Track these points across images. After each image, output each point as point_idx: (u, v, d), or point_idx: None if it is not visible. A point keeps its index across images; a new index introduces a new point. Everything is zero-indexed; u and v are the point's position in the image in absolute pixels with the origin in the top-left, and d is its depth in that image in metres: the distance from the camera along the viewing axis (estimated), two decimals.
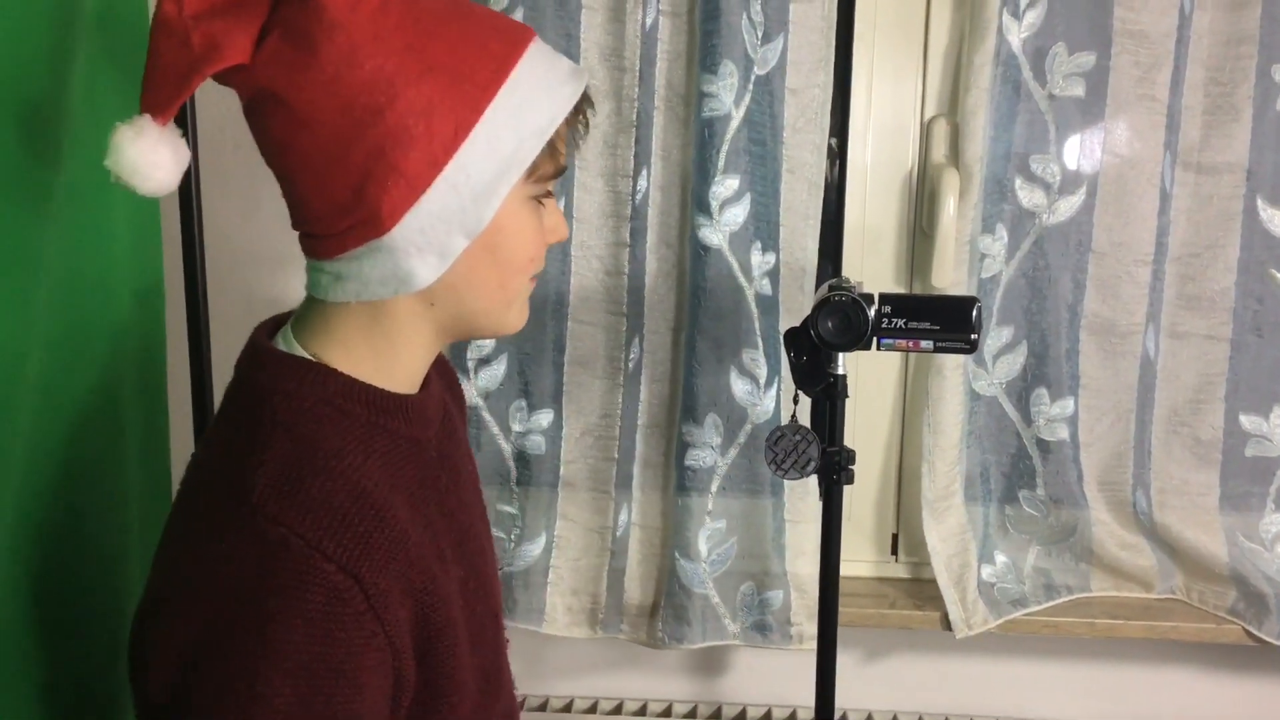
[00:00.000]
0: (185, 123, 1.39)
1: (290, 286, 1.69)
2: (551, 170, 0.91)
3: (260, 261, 1.79)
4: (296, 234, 0.93)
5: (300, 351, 0.92)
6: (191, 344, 1.45)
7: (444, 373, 1.12)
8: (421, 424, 0.97)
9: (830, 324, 1.37)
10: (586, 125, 0.95)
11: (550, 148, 0.89)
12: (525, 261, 0.93)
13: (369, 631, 0.81)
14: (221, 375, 1.23)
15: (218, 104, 1.56)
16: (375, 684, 0.83)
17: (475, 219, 0.87)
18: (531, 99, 0.87)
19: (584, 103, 0.93)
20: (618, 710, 1.94)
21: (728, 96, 1.69)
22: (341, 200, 0.86)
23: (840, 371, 1.43)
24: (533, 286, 0.98)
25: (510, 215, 0.89)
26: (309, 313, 0.94)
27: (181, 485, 0.92)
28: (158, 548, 0.88)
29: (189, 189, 1.44)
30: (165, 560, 0.87)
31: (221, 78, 0.86)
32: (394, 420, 0.93)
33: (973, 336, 1.36)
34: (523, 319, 0.98)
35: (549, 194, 0.95)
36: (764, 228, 1.75)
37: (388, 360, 0.93)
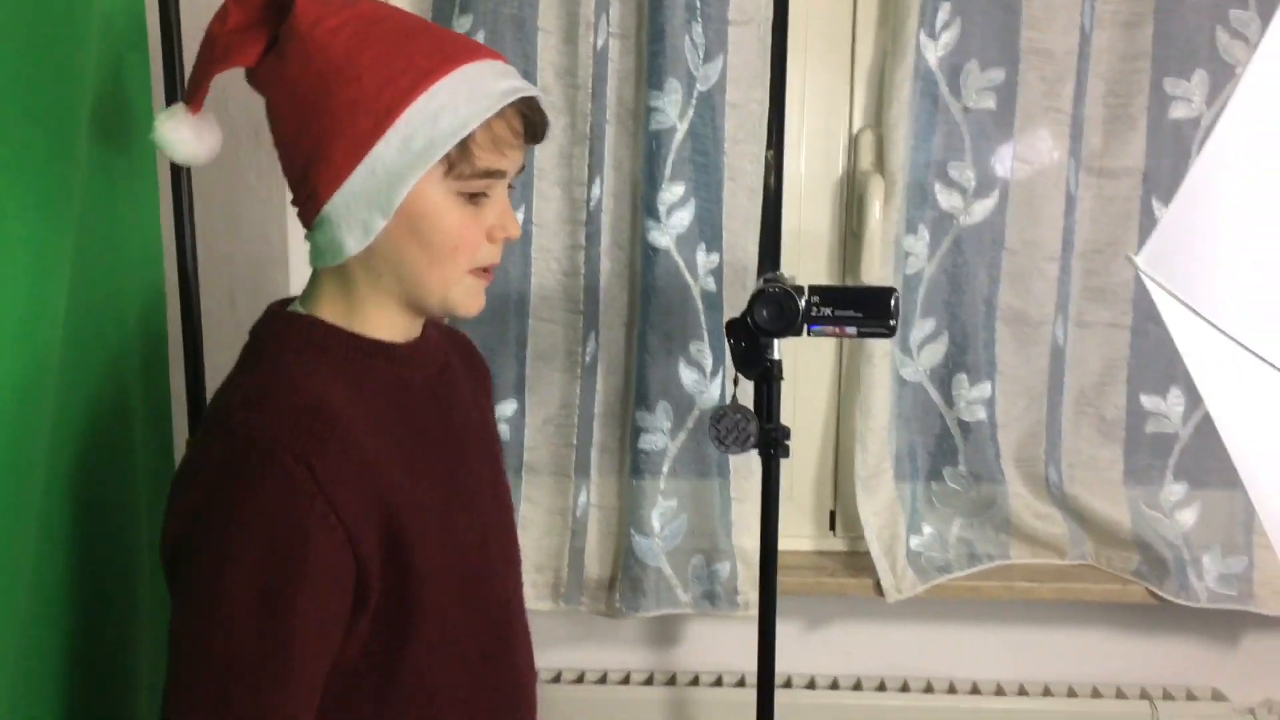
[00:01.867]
0: None
1: (270, 283, 1.83)
2: (469, 170, 1.04)
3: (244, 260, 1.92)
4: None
5: (300, 311, 1.11)
6: (186, 340, 1.58)
7: (459, 345, 1.30)
8: (406, 366, 1.13)
9: (765, 313, 1.53)
10: (520, 134, 1.08)
11: (464, 149, 1.03)
12: (450, 248, 1.07)
13: (321, 513, 0.97)
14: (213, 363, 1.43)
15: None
16: (330, 562, 0.98)
17: (387, 201, 1.03)
18: (449, 106, 1.02)
19: (514, 115, 1.06)
20: (580, 680, 2.08)
21: (673, 111, 1.85)
22: (297, 179, 1.07)
23: (775, 357, 1.57)
24: (484, 279, 1.12)
25: (431, 204, 1.05)
26: (310, 282, 1.13)
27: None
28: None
29: (180, 193, 1.57)
30: (177, 474, 1.05)
31: (249, 79, 1.09)
32: (372, 360, 1.10)
33: (891, 322, 1.52)
34: (473, 304, 1.12)
35: (484, 194, 1.08)
36: (708, 230, 1.90)
37: (360, 314, 1.10)
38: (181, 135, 1.12)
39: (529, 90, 1.08)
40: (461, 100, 1.03)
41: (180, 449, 1.56)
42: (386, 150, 1.02)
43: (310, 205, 1.06)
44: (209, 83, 1.09)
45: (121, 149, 1.39)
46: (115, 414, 1.38)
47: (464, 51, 1.07)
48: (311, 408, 1.01)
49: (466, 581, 1.13)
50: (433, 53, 1.05)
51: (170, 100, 1.50)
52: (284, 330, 1.10)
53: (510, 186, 1.12)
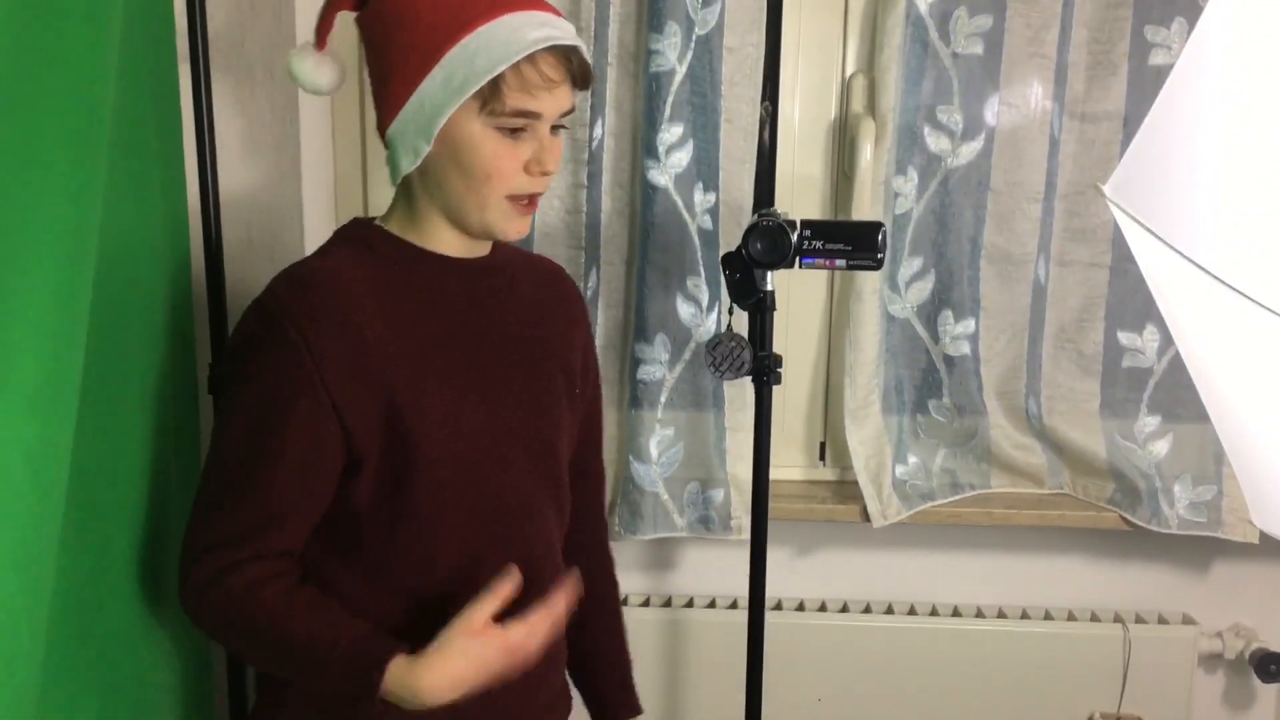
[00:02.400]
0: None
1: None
2: (500, 108, 1.17)
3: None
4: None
5: (372, 219, 1.31)
6: (209, 269, 1.67)
7: (544, 273, 1.44)
8: (453, 274, 1.28)
9: (759, 245, 1.61)
10: (549, 80, 1.18)
11: (495, 88, 1.16)
12: (484, 175, 1.20)
13: (307, 379, 1.17)
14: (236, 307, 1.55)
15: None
16: (308, 416, 1.18)
17: (429, 129, 1.18)
18: (485, 49, 1.15)
19: (547, 61, 1.17)
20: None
21: (672, 54, 1.92)
22: (376, 106, 1.25)
23: (769, 288, 1.66)
24: (523, 208, 1.24)
25: (468, 135, 1.19)
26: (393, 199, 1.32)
27: None
28: None
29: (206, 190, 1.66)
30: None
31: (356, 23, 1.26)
32: (416, 264, 1.26)
33: (879, 255, 1.60)
34: (510, 229, 1.25)
35: (522, 130, 1.19)
36: (705, 170, 1.98)
37: (419, 228, 1.27)
38: (306, 67, 1.30)
39: (560, 39, 1.18)
40: (497, 44, 1.15)
41: (206, 426, 1.66)
42: (431, 85, 1.17)
43: (380, 129, 1.24)
44: (329, 24, 1.28)
45: (149, 110, 1.47)
46: (143, 401, 1.45)
47: (512, 2, 1.18)
48: (329, 288, 1.20)
49: (469, 467, 1.27)
50: (480, 2, 1.17)
51: (194, 61, 1.63)
52: (348, 229, 1.31)
53: (560, 127, 1.24)
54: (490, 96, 1.16)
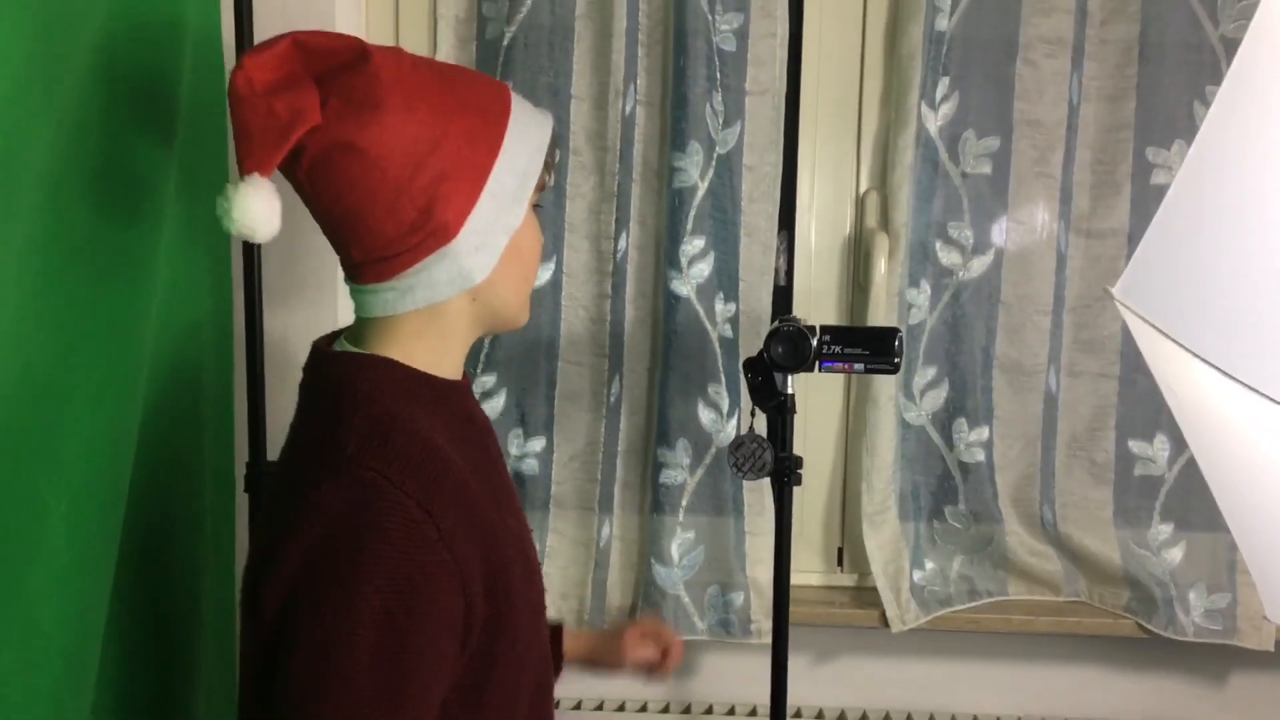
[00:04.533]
0: None
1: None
2: (543, 182, 1.13)
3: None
4: (346, 272, 1.13)
5: (367, 352, 1.11)
6: (249, 360, 1.73)
7: None
8: (466, 404, 1.19)
9: (780, 349, 1.67)
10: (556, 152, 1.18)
11: (544, 163, 1.12)
12: (536, 259, 1.16)
13: (440, 558, 0.99)
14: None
15: None
16: (447, 604, 1.00)
17: (513, 219, 1.10)
18: (530, 126, 1.11)
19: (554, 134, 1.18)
20: (599, 708, 2.18)
21: (694, 171, 2.01)
22: (411, 220, 1.05)
23: (789, 391, 1.71)
24: None
25: (526, 220, 1.12)
26: (362, 329, 1.12)
27: (278, 466, 1.12)
28: (263, 515, 1.10)
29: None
30: (273, 515, 1.05)
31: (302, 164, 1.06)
32: (448, 400, 1.13)
33: (896, 360, 1.66)
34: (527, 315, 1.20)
35: (539, 206, 1.19)
36: (726, 281, 2.05)
37: (438, 354, 1.12)
38: (272, 207, 1.05)
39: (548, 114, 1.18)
40: (530, 121, 1.12)
41: (241, 519, 1.69)
42: (502, 170, 1.08)
43: (432, 243, 1.06)
44: (285, 150, 1.03)
45: (200, 202, 1.55)
46: (186, 425, 1.51)
47: (499, 81, 1.18)
48: (430, 451, 1.03)
49: (534, 610, 1.18)
50: (491, 81, 1.15)
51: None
52: (365, 370, 1.09)
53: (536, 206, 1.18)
54: (541, 172, 1.12)
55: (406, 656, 0.97)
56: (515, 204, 1.10)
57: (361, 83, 1.03)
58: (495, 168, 1.08)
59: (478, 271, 1.09)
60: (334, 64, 1.04)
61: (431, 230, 1.06)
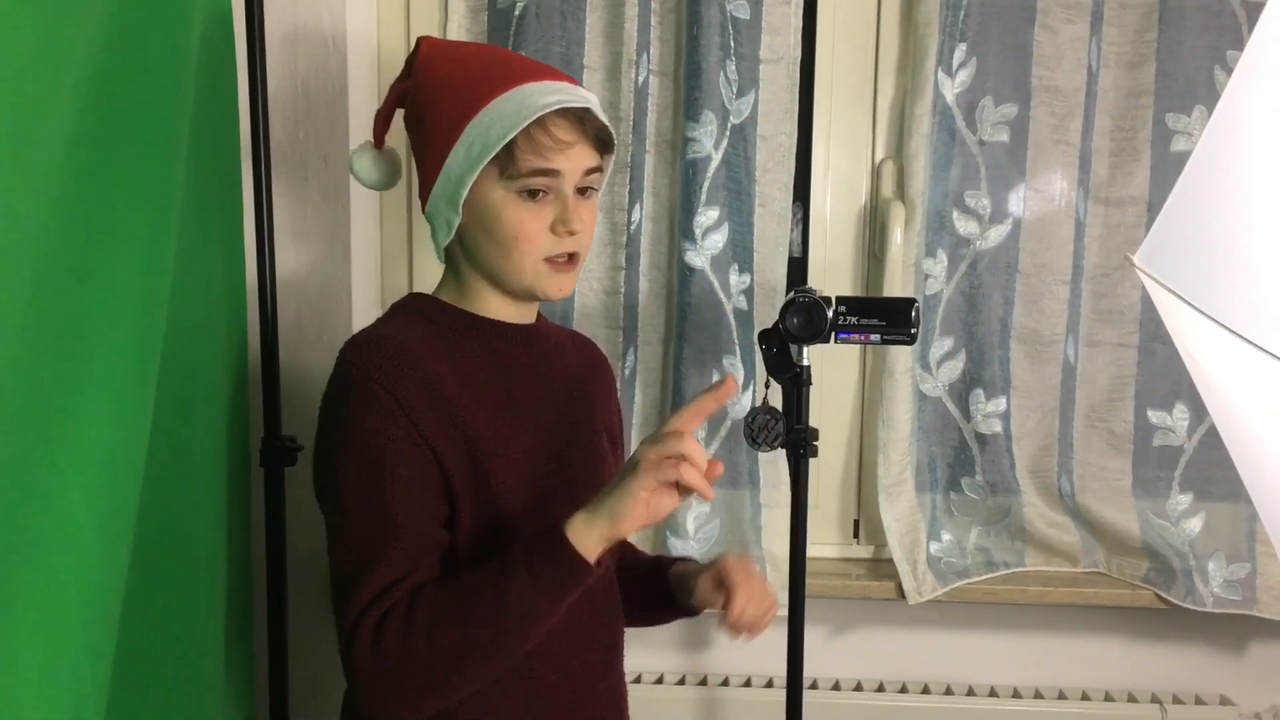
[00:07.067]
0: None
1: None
2: (516, 171, 1.24)
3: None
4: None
5: (426, 292, 1.38)
6: (262, 335, 1.73)
7: (579, 343, 1.53)
8: (506, 340, 1.35)
9: (796, 320, 1.65)
10: (562, 141, 1.25)
11: (510, 153, 1.23)
12: (511, 239, 1.27)
13: (405, 432, 1.21)
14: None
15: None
16: (411, 460, 1.21)
17: (455, 199, 1.27)
18: (499, 118, 1.23)
19: (559, 123, 1.24)
20: None
21: (708, 141, 1.99)
22: (420, 181, 1.32)
23: (805, 363, 1.70)
24: (566, 267, 1.30)
25: (491, 201, 1.26)
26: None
27: None
28: None
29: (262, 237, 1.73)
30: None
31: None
32: (472, 330, 1.33)
33: (912, 330, 1.65)
34: (553, 290, 1.31)
35: (543, 191, 1.26)
36: (740, 252, 2.04)
37: (469, 296, 1.34)
38: (365, 164, 1.42)
39: (570, 102, 1.25)
40: (509, 112, 1.23)
41: (257, 495, 1.74)
42: (455, 158, 1.26)
43: (423, 209, 1.33)
44: (386, 122, 1.40)
45: (215, 200, 1.55)
46: (202, 407, 1.51)
47: (526, 73, 1.26)
48: (404, 355, 1.24)
49: (549, 520, 1.23)
50: (497, 77, 1.26)
51: (255, 152, 1.72)
52: (406, 302, 1.38)
53: (589, 189, 1.29)
54: (506, 162, 1.24)
55: (380, 500, 1.20)
56: (461, 185, 1.26)
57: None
58: (451, 154, 1.26)
59: (440, 239, 1.32)
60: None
61: (422, 195, 1.32)
